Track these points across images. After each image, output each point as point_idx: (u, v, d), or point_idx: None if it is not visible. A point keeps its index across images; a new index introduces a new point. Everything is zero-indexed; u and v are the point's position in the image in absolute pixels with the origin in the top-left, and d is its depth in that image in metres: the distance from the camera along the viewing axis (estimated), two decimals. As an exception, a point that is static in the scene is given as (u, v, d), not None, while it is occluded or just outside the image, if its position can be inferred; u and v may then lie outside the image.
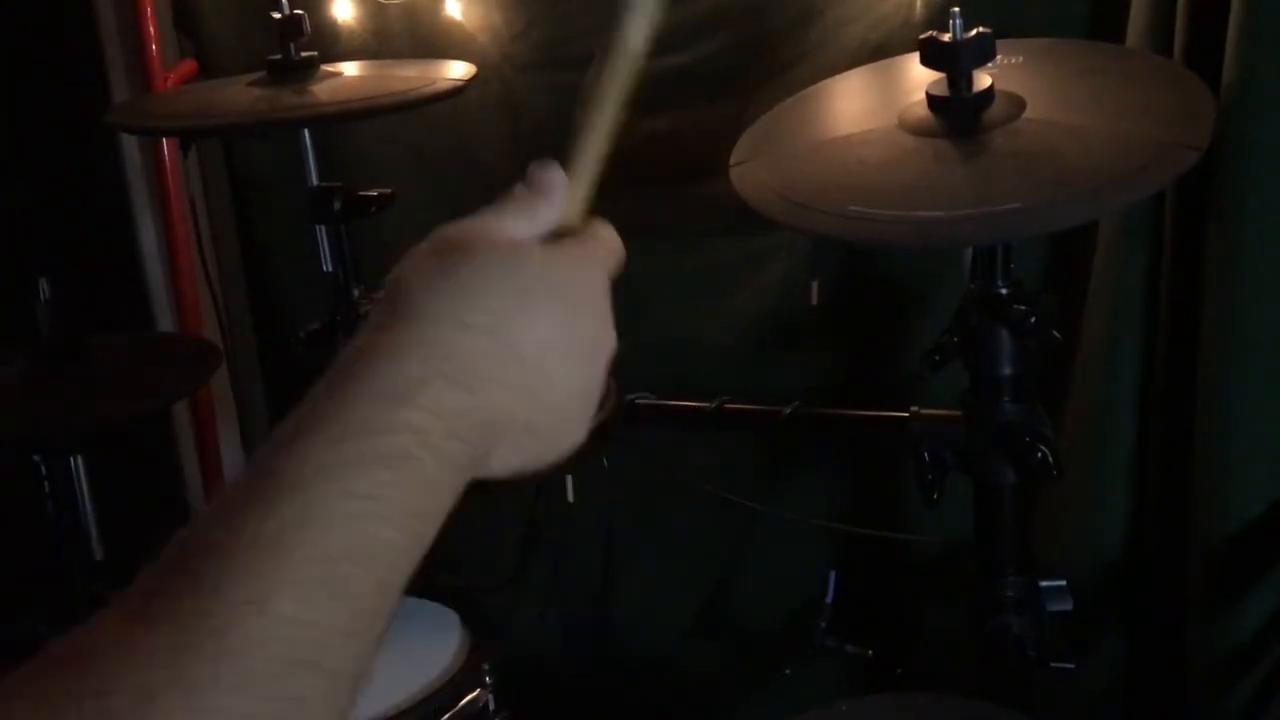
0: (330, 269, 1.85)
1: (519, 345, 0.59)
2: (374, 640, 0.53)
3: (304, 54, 1.79)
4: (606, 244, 0.67)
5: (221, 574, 0.50)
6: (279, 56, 1.79)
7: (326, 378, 0.57)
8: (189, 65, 2.25)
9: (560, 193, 0.67)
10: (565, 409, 0.63)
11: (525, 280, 0.61)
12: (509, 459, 0.61)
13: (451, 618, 1.73)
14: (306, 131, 1.86)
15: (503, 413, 0.59)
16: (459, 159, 2.19)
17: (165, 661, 0.47)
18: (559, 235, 0.66)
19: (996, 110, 1.41)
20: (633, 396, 2.04)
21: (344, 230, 1.84)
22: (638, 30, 0.72)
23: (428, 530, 0.56)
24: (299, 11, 1.79)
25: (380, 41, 2.16)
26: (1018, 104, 1.40)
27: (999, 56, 1.44)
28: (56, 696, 0.47)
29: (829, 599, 1.74)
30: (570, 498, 2.00)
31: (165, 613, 0.49)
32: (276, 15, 1.78)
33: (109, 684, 0.47)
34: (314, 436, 0.54)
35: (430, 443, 0.55)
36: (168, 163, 2.29)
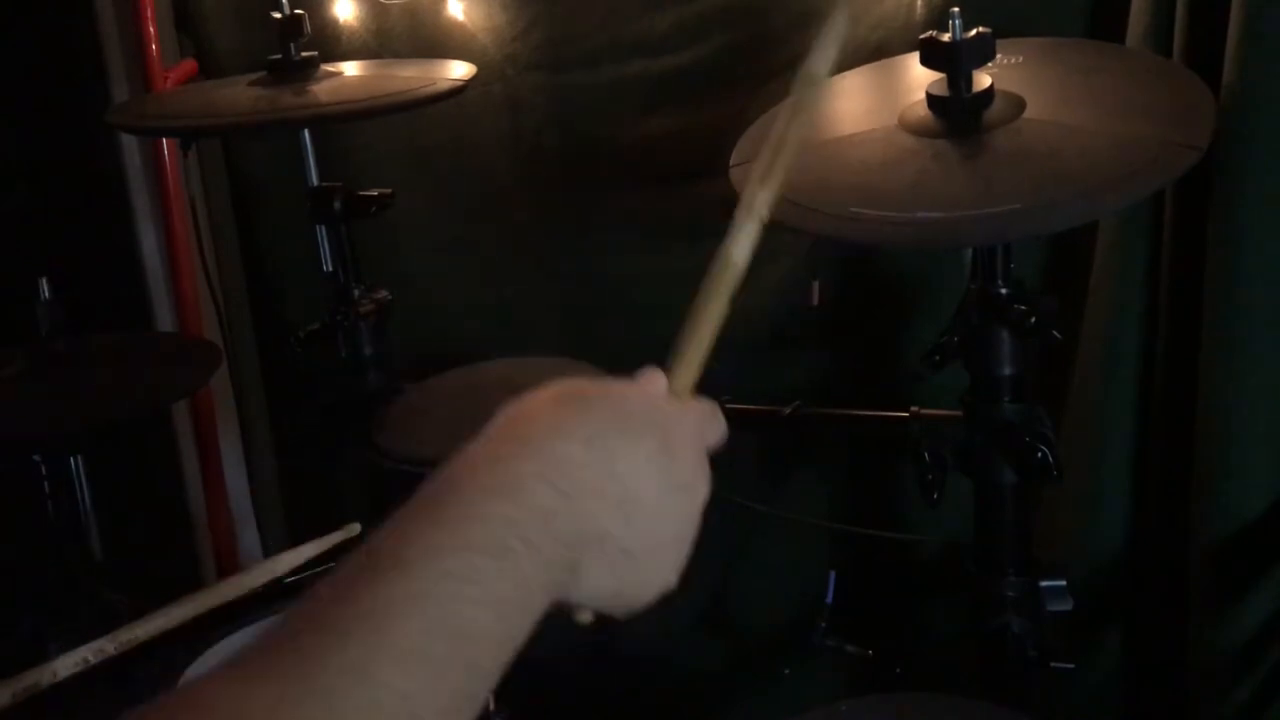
0: (330, 269, 1.85)
1: (616, 461, 0.64)
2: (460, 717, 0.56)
3: (304, 54, 1.79)
4: (709, 413, 0.74)
5: (328, 642, 0.53)
6: (279, 56, 1.79)
7: (437, 475, 0.62)
8: (189, 65, 2.25)
9: (662, 377, 0.74)
10: (658, 539, 0.67)
11: (630, 412, 0.67)
12: (602, 578, 0.65)
13: (452, 618, 1.72)
14: (306, 131, 1.86)
15: (596, 523, 0.63)
16: (459, 159, 2.19)
17: (275, 716, 0.50)
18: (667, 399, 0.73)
19: (996, 110, 1.41)
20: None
21: (344, 230, 1.84)
22: (743, 248, 0.82)
23: (521, 623, 0.60)
24: (299, 11, 1.79)
25: (381, 41, 2.16)
26: (1018, 104, 1.40)
27: (999, 56, 1.44)
28: None
29: (829, 599, 1.73)
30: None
31: (275, 676, 0.52)
32: (276, 15, 1.78)
33: None
34: (420, 523, 0.58)
35: (524, 535, 0.59)
36: (168, 163, 2.28)
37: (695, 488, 0.69)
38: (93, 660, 0.77)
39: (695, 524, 0.69)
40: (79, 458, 1.82)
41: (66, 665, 0.76)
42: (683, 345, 0.78)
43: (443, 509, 0.59)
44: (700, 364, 0.77)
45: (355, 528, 0.94)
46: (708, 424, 0.73)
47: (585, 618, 0.68)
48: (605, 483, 0.63)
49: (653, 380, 0.73)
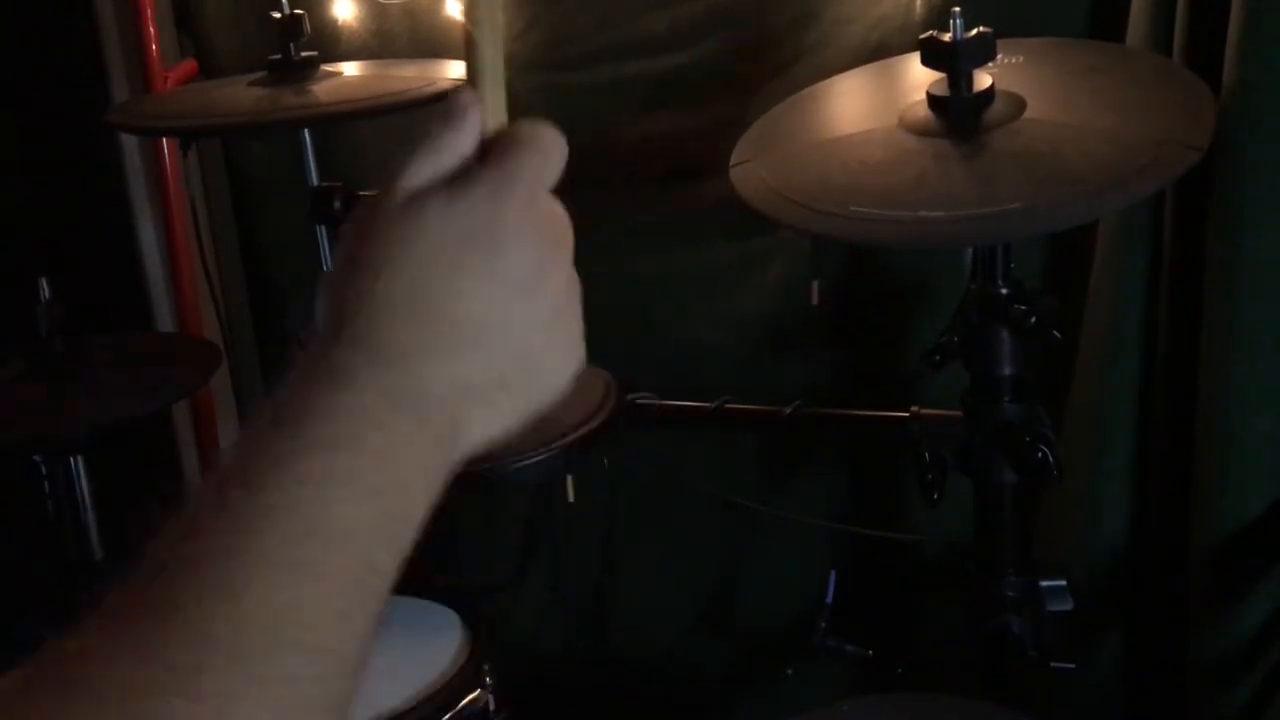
0: (330, 269, 1.85)
1: (443, 307, 0.56)
2: (365, 619, 0.53)
3: (304, 54, 1.79)
4: (531, 151, 0.59)
5: (193, 571, 0.51)
6: (279, 56, 1.78)
7: (276, 386, 0.57)
8: (189, 65, 2.25)
9: (470, 112, 0.60)
10: (532, 353, 0.59)
11: (430, 238, 0.57)
12: (489, 421, 0.59)
13: (451, 618, 1.73)
14: (306, 131, 1.86)
15: (450, 380, 0.57)
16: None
17: (155, 656, 0.48)
18: (484, 151, 0.60)
19: (997, 110, 1.41)
20: (633, 396, 2.04)
21: (344, 230, 1.83)
22: None
23: (405, 508, 0.55)
24: (299, 11, 1.79)
25: (380, 41, 2.16)
26: (1018, 104, 1.40)
27: (999, 56, 1.44)
28: (57, 704, 0.47)
29: (829, 599, 1.74)
30: (570, 498, 2.00)
31: (147, 611, 0.50)
32: (276, 15, 1.78)
33: (106, 687, 0.47)
34: (266, 435, 0.54)
35: (375, 420, 0.55)
36: (168, 163, 2.28)
37: (546, 269, 0.59)
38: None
39: (565, 296, 0.60)
40: (79, 458, 1.81)
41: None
42: (476, 65, 0.62)
43: (281, 414, 0.55)
44: (501, 80, 0.62)
45: None
46: (534, 167, 0.59)
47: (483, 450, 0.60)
48: (442, 334, 0.56)
49: (457, 137, 0.59)
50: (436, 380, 0.56)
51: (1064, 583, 1.50)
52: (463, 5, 0.65)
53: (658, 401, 2.05)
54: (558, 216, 0.61)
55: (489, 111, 0.61)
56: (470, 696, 1.63)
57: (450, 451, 0.58)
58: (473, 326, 0.57)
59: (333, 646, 0.52)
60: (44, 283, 1.77)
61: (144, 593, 0.51)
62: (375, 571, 0.54)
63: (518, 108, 0.62)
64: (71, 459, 1.81)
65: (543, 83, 2.10)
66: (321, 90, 1.75)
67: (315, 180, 1.87)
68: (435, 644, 1.67)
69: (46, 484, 1.82)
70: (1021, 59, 1.49)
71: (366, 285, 0.57)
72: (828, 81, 1.64)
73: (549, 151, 0.60)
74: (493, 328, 0.57)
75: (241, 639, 0.49)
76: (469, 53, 0.62)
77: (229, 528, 0.52)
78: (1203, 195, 1.50)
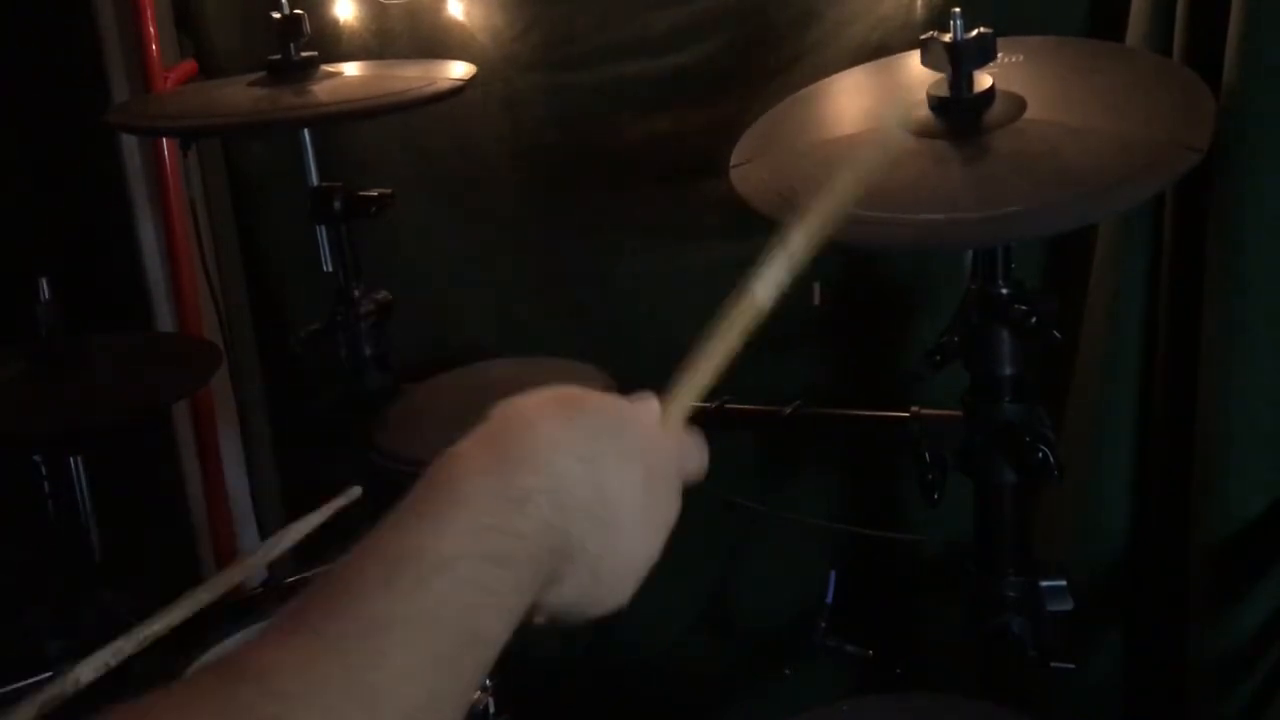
0: (330, 269, 1.85)
1: (607, 483, 0.66)
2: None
3: (304, 54, 1.79)
4: (695, 448, 0.75)
5: (329, 659, 0.54)
6: (279, 56, 1.78)
7: (437, 475, 0.62)
8: (189, 65, 2.25)
9: (658, 404, 0.75)
10: (626, 560, 0.69)
11: (626, 435, 0.69)
12: (570, 591, 0.66)
13: (452, 618, 1.73)
14: (306, 131, 1.86)
15: (577, 541, 0.65)
16: (459, 159, 2.19)
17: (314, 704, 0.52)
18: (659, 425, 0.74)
19: (997, 110, 1.40)
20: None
21: (344, 230, 1.84)
22: (769, 286, 0.82)
23: (508, 633, 0.61)
24: (299, 11, 1.79)
25: (381, 41, 2.16)
26: (1018, 104, 1.40)
27: (1000, 56, 1.44)
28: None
29: (829, 599, 1.74)
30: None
31: (276, 689, 0.52)
32: (276, 15, 1.78)
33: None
34: (428, 526, 0.59)
35: (530, 550, 0.61)
36: (168, 163, 2.28)
37: (667, 519, 0.71)
38: (113, 662, 0.76)
39: (658, 554, 0.71)
40: (79, 458, 1.82)
41: (88, 671, 0.75)
42: (687, 374, 0.78)
43: (450, 514, 0.60)
44: (699, 396, 0.78)
45: (356, 491, 0.94)
46: (691, 458, 0.75)
47: (539, 621, 0.69)
48: (595, 504, 0.65)
49: (648, 405, 0.74)
50: (573, 537, 0.64)
51: (1064, 583, 1.50)
52: (714, 330, 0.79)
53: (657, 401, 2.05)
54: (678, 497, 0.73)
55: (676, 409, 0.76)
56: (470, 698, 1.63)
57: (535, 596, 0.64)
58: (616, 523, 0.67)
59: None
60: (44, 283, 1.77)
61: (298, 638, 0.54)
62: (478, 679, 0.59)
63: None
64: (71, 459, 1.81)
65: (543, 83, 2.10)
66: (321, 90, 1.75)
67: (315, 180, 1.87)
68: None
69: (46, 484, 1.82)
70: (1021, 59, 1.49)
71: (561, 434, 0.66)
72: (828, 81, 1.64)
73: (701, 461, 0.75)
74: (623, 523, 0.67)
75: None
76: (694, 360, 0.78)
77: (388, 613, 0.55)
78: (1203, 195, 1.50)
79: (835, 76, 1.65)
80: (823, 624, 1.72)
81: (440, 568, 0.57)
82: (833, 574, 1.75)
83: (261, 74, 1.80)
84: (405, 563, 0.57)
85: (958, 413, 1.54)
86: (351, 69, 1.88)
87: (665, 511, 0.71)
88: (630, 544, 0.68)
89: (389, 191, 1.84)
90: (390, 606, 0.55)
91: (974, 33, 1.40)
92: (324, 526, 0.91)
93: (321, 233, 1.84)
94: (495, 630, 0.59)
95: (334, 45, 2.13)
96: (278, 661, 0.53)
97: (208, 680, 0.52)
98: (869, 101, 1.57)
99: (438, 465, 0.63)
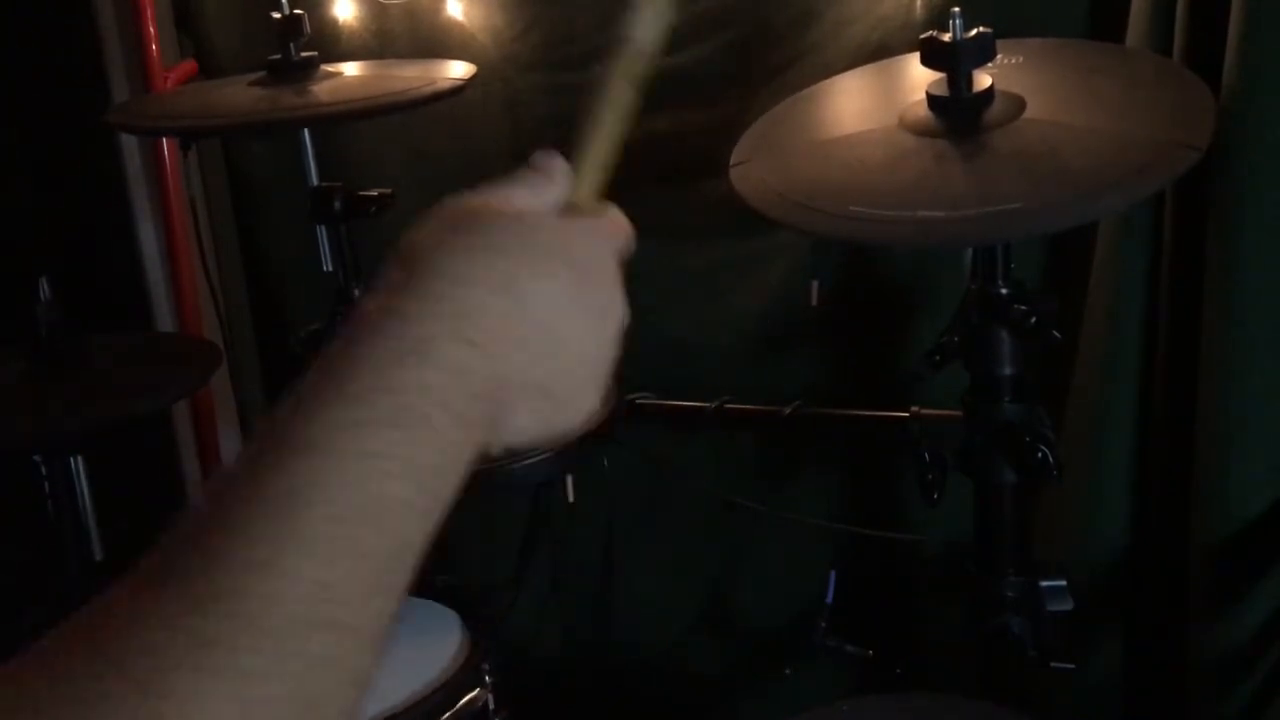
0: (330, 269, 1.85)
1: (531, 305, 0.59)
2: (395, 599, 0.53)
3: (304, 54, 1.79)
4: (616, 223, 0.68)
5: (232, 538, 0.50)
6: (279, 56, 1.78)
7: (337, 341, 0.57)
8: (189, 65, 2.25)
9: (563, 175, 0.67)
10: (578, 373, 0.63)
11: (538, 244, 0.62)
12: (525, 425, 0.61)
13: (451, 618, 1.73)
14: (306, 131, 1.86)
15: (515, 373, 0.59)
16: (459, 159, 2.19)
17: (177, 624, 0.48)
18: (568, 212, 0.66)
19: (997, 110, 1.41)
20: (633, 396, 2.04)
21: (344, 230, 1.83)
22: (648, 27, 0.75)
23: (444, 490, 0.56)
24: (299, 11, 1.79)
25: (381, 41, 2.16)
26: (1018, 104, 1.40)
27: (999, 56, 1.44)
28: (71, 665, 0.47)
29: (829, 599, 1.74)
30: (570, 498, 2.00)
31: (175, 578, 0.49)
32: (276, 15, 1.78)
33: (123, 650, 0.47)
34: (324, 398, 0.54)
35: (441, 400, 0.55)
36: (168, 163, 2.28)
37: (611, 309, 0.65)
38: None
39: (614, 344, 0.65)
40: (79, 458, 1.81)
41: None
42: (585, 145, 0.69)
43: (346, 380, 0.54)
44: (607, 164, 0.69)
45: None
46: (617, 234, 0.67)
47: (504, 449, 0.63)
48: (522, 330, 0.59)
49: (549, 191, 0.66)
50: (508, 370, 0.58)
51: (1064, 583, 1.50)
52: (597, 88, 0.72)
53: (658, 401, 2.05)
54: (617, 282, 0.66)
55: (583, 181, 0.68)
56: (470, 696, 1.63)
57: (485, 440, 0.58)
58: (547, 331, 0.60)
59: (362, 625, 0.51)
60: (44, 283, 1.77)
61: (178, 557, 0.50)
62: (410, 550, 0.54)
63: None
64: (71, 459, 1.81)
65: (543, 83, 2.10)
66: (321, 90, 1.75)
67: (315, 180, 1.87)
68: (435, 644, 1.67)
69: (46, 484, 1.82)
70: (1021, 59, 1.49)
71: (462, 264, 0.59)
72: (828, 81, 1.64)
73: (628, 232, 0.68)
74: (562, 339, 0.61)
75: (271, 616, 0.48)
76: (585, 128, 0.69)
77: (276, 493, 0.51)
78: (1203, 195, 1.50)
79: (835, 77, 1.65)
80: (823, 624, 1.72)
81: (322, 441, 0.52)
82: (833, 574, 1.75)
83: (261, 74, 1.80)
84: (289, 444, 0.53)
85: (958, 413, 1.54)
86: (351, 69, 1.88)
87: (606, 303, 0.64)
88: (579, 353, 0.62)
89: (389, 191, 1.84)
90: (270, 491, 0.51)
91: (973, 32, 1.40)
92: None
93: (321, 233, 1.84)
94: (404, 497, 0.53)
95: (334, 45, 2.13)
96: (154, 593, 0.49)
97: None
98: (869, 102, 1.57)
99: (344, 326, 0.58)
